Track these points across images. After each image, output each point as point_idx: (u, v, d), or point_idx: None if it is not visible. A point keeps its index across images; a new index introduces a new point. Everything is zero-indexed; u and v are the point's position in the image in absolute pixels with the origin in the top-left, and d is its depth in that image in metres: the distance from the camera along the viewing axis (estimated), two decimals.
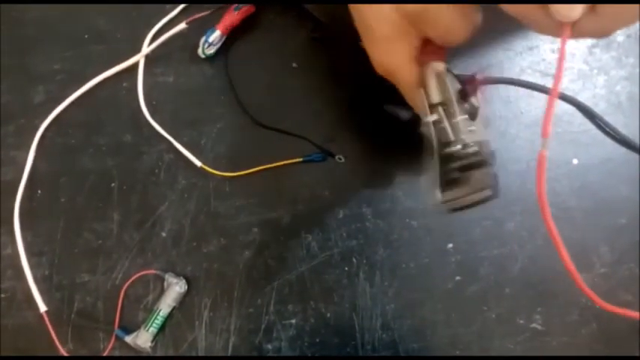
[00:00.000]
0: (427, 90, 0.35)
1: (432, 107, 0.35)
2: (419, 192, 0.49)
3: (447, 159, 0.34)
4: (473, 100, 0.35)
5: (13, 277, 0.47)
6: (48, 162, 0.50)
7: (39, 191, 0.49)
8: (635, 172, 0.49)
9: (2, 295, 0.47)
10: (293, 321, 0.46)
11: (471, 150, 0.33)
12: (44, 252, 0.47)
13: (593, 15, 0.25)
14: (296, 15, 0.53)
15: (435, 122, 0.35)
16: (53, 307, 0.46)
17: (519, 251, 0.47)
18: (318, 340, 0.46)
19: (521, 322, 0.46)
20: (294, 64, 0.52)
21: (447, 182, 0.34)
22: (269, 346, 0.45)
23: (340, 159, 0.49)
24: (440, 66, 0.35)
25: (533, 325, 0.46)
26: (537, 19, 0.27)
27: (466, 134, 0.33)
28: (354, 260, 0.47)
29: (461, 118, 0.34)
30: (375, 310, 0.46)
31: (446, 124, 0.34)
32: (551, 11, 0.25)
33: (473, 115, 0.35)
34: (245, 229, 0.48)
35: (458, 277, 0.47)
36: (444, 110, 0.34)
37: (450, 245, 0.47)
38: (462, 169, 0.34)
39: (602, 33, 0.28)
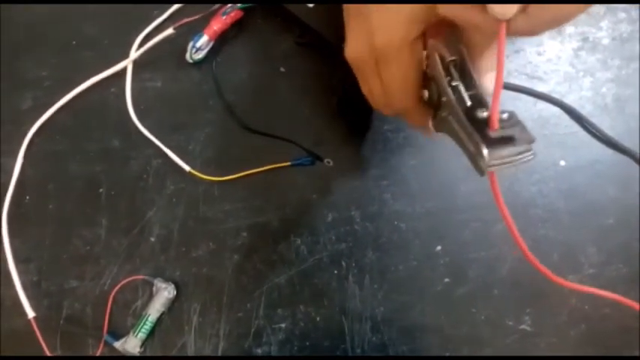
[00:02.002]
0: (439, 53, 0.33)
1: (448, 71, 0.33)
2: (407, 194, 0.49)
3: (479, 122, 0.31)
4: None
5: (1, 284, 0.46)
6: (36, 168, 0.50)
7: (27, 197, 0.49)
8: (621, 173, 0.49)
9: None
10: (283, 325, 0.46)
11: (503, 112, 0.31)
12: (32, 258, 0.47)
13: (524, 15, 0.28)
14: (283, 20, 0.53)
15: (454, 88, 0.32)
16: (42, 314, 0.46)
17: (508, 253, 0.47)
18: (307, 343, 0.45)
19: (510, 323, 0.46)
20: (281, 69, 0.52)
21: (489, 144, 0.31)
22: (259, 351, 0.45)
23: (328, 162, 0.49)
24: (436, 45, 0.33)
25: (523, 326, 0.46)
26: (474, 19, 0.29)
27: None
28: (344, 263, 0.47)
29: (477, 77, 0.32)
30: (365, 313, 0.46)
31: (462, 87, 0.32)
32: (489, 10, 0.27)
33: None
34: (234, 233, 0.48)
35: (447, 279, 0.47)
36: (460, 73, 0.32)
37: (439, 247, 0.48)
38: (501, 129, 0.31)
39: (532, 32, 0.29)
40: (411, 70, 0.35)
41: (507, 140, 0.30)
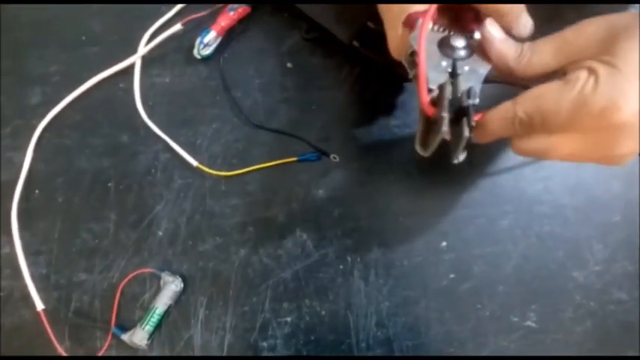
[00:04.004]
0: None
1: (410, 64, 0.37)
2: (412, 190, 0.49)
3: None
4: (458, 41, 0.36)
5: (11, 277, 0.47)
6: (45, 163, 0.50)
7: (36, 191, 0.49)
8: (627, 170, 0.49)
9: (0, 294, 0.47)
10: (288, 319, 0.46)
11: (438, 94, 0.34)
12: (41, 251, 0.48)
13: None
14: (290, 16, 0.53)
15: (414, 77, 0.36)
16: (50, 306, 0.46)
17: (513, 249, 0.47)
18: (313, 337, 0.46)
19: (515, 319, 0.46)
20: (288, 65, 0.53)
21: (425, 133, 0.36)
22: (264, 344, 0.46)
23: (335, 158, 0.49)
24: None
25: (528, 322, 0.46)
26: None
27: (436, 79, 0.34)
28: (349, 258, 0.47)
29: (433, 68, 0.35)
30: (370, 308, 0.46)
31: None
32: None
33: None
34: (240, 228, 0.48)
35: (452, 275, 0.47)
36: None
37: (444, 243, 0.48)
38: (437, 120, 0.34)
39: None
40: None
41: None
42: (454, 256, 0.47)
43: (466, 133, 0.32)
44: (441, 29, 0.37)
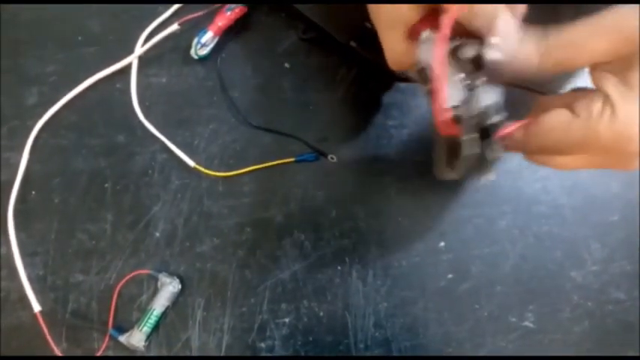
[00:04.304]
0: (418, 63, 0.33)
1: (424, 79, 0.33)
2: (410, 191, 0.49)
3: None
4: (468, 49, 0.31)
5: (7, 278, 0.47)
6: (41, 163, 0.50)
7: (33, 192, 0.49)
8: None
9: None
10: (286, 320, 0.46)
11: (461, 113, 0.31)
12: (38, 252, 0.47)
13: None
14: (287, 16, 0.53)
15: (428, 93, 0.32)
16: (47, 307, 0.46)
17: (511, 249, 0.48)
18: (311, 338, 0.46)
19: (513, 319, 0.46)
20: (286, 65, 0.53)
21: (447, 154, 0.33)
22: (262, 345, 0.45)
23: (332, 158, 0.49)
24: (426, 35, 0.32)
25: (525, 322, 0.46)
26: None
27: (456, 97, 0.31)
28: (347, 259, 0.47)
29: (452, 84, 0.31)
30: (368, 309, 0.46)
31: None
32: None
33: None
34: (238, 228, 0.48)
35: (450, 275, 0.47)
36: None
37: (442, 244, 0.48)
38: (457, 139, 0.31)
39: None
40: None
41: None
42: (452, 257, 0.47)
43: (498, 152, 0.31)
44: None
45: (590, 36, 0.29)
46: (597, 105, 0.29)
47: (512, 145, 0.32)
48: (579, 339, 0.46)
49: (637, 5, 0.28)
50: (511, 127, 0.32)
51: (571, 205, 0.49)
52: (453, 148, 0.32)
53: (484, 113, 0.30)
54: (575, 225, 0.48)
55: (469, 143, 0.30)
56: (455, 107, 0.31)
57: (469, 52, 0.31)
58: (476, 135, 0.30)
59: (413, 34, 0.33)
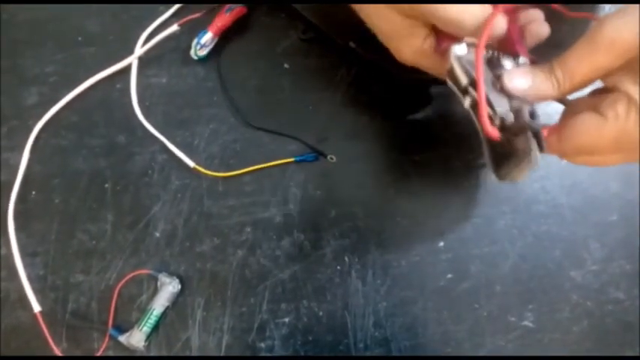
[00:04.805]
0: (454, 76, 0.34)
1: (464, 91, 0.34)
2: (409, 191, 0.49)
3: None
4: (505, 62, 0.33)
5: (7, 278, 0.47)
6: (42, 163, 0.50)
7: (33, 192, 0.49)
8: (624, 169, 0.49)
9: None
10: (286, 320, 0.46)
11: (507, 122, 0.32)
12: (38, 252, 0.48)
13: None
14: (287, 17, 0.53)
15: (472, 106, 0.34)
16: (47, 308, 0.46)
17: (510, 249, 0.48)
18: (310, 338, 0.46)
19: (513, 319, 0.46)
20: (285, 65, 0.53)
21: (497, 159, 0.35)
22: (262, 345, 0.45)
23: (332, 159, 0.49)
24: (459, 49, 0.33)
25: (525, 322, 0.46)
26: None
27: (501, 106, 0.32)
28: (346, 259, 0.47)
29: (492, 94, 0.32)
30: (367, 309, 0.46)
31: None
32: None
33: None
34: (238, 228, 0.48)
35: (449, 275, 0.47)
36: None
37: (441, 243, 0.48)
38: (506, 143, 0.33)
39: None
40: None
41: (511, 153, 0.33)
42: (451, 256, 0.47)
43: (538, 154, 0.32)
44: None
45: (589, 55, 0.30)
46: (622, 105, 0.30)
47: (548, 147, 0.33)
48: (578, 338, 0.46)
49: (621, 11, 0.29)
50: (544, 132, 0.33)
51: (570, 205, 0.49)
52: (503, 151, 0.34)
53: (523, 119, 0.32)
54: (574, 225, 0.48)
55: (522, 145, 0.32)
56: (500, 114, 0.32)
57: (507, 62, 0.34)
58: (527, 136, 0.32)
59: (439, 49, 0.36)
